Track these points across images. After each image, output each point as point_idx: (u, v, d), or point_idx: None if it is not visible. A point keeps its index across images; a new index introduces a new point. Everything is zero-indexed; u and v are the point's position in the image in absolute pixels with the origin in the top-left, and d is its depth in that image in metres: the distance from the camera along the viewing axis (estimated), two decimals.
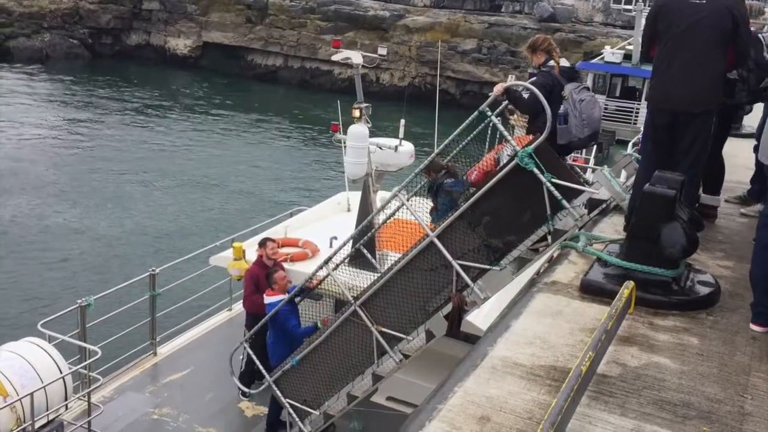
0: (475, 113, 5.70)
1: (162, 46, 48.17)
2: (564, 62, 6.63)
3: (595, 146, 23.37)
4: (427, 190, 6.73)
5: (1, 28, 43.98)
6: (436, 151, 6.25)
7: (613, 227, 5.84)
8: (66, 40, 46.03)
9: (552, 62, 6.25)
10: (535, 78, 6.15)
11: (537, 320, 4.26)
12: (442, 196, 6.66)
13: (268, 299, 7.98)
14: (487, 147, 6.40)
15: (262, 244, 8.84)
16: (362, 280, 6.81)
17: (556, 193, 5.23)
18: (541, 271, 5.55)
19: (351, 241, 7.10)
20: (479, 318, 6.89)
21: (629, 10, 38.19)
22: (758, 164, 6.14)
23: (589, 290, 4.63)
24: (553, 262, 5.45)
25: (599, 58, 33.04)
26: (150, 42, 48.69)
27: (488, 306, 6.32)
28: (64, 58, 45.07)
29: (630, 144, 22.48)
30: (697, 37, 5.25)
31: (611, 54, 31.92)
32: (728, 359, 3.93)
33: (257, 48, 46.39)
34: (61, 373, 7.48)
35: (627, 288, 4.17)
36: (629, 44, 32.44)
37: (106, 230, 20.55)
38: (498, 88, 5.80)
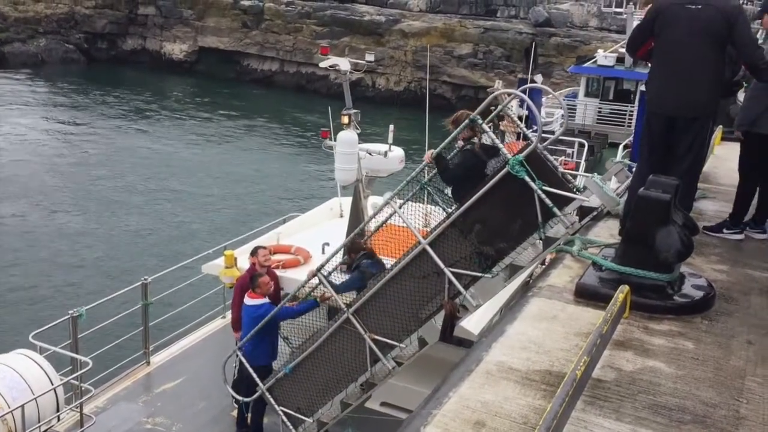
0: (466, 121, 5.69)
1: (158, 51, 48.25)
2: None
3: (586, 149, 23.45)
4: (347, 269, 7.11)
5: None
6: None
7: (608, 231, 5.81)
8: (62, 45, 46.06)
9: (475, 138, 6.15)
10: (457, 160, 6.15)
11: (532, 325, 4.22)
12: (356, 273, 6.98)
13: (248, 301, 7.96)
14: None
15: (254, 252, 8.76)
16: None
17: (548, 201, 5.20)
18: (536, 275, 5.52)
19: (343, 249, 7.07)
20: (471, 322, 6.86)
21: (620, 13, 38.41)
22: None
23: (584, 294, 4.59)
24: (548, 267, 5.42)
25: (592, 61, 33.20)
26: (146, 47, 48.77)
27: (480, 310, 6.28)
28: (60, 63, 45.09)
29: (621, 146, 22.38)
30: (693, 43, 5.23)
31: (604, 57, 32.08)
32: (723, 363, 3.90)
33: (253, 53, 46.45)
34: (52, 384, 7.44)
35: (622, 292, 4.14)
36: (622, 47, 32.61)
37: (98, 239, 20.47)
38: (427, 156, 6.00)
